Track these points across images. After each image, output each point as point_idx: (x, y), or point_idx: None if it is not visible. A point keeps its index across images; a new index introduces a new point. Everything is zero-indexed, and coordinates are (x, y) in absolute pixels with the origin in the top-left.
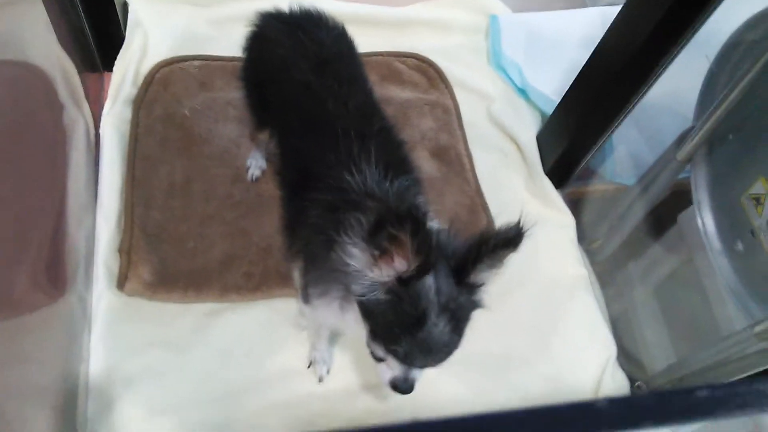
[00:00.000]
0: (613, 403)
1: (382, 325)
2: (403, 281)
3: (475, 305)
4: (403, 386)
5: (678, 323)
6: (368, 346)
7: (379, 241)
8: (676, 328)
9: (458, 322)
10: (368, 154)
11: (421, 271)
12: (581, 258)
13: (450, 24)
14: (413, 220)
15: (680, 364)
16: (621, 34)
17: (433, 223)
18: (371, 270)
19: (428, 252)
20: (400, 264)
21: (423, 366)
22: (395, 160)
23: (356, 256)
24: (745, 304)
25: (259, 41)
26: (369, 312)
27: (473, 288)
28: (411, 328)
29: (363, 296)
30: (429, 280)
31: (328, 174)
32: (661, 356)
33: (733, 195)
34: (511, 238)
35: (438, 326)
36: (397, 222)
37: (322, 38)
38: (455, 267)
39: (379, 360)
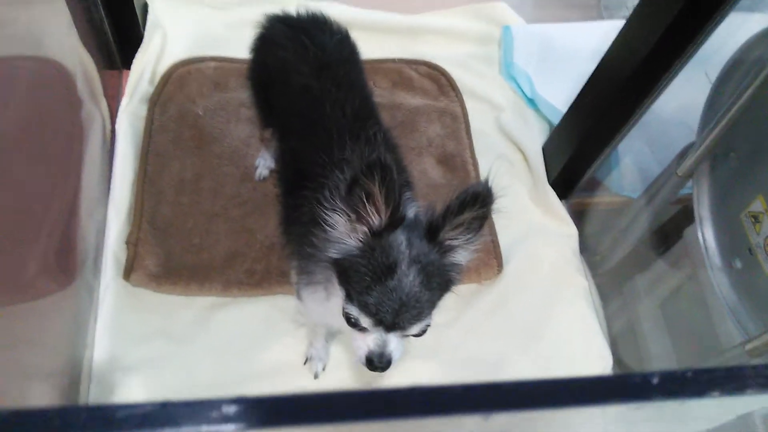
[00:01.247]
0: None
1: (355, 281)
2: (376, 234)
3: (448, 272)
4: (378, 361)
5: (680, 338)
6: (343, 312)
7: (354, 200)
8: (678, 343)
9: (429, 277)
10: (360, 156)
11: (393, 223)
12: (582, 269)
13: (463, 33)
14: (381, 167)
15: None
16: (625, 46)
17: (413, 205)
18: (349, 235)
19: (398, 200)
20: (373, 219)
21: (394, 323)
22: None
23: (336, 222)
24: (743, 321)
25: (264, 43)
26: (344, 272)
27: (446, 248)
28: (381, 276)
29: (339, 256)
30: (400, 235)
31: (321, 173)
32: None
33: (733, 212)
34: (479, 193)
35: (408, 276)
36: (367, 170)
37: (325, 43)
38: (428, 226)
39: (353, 326)
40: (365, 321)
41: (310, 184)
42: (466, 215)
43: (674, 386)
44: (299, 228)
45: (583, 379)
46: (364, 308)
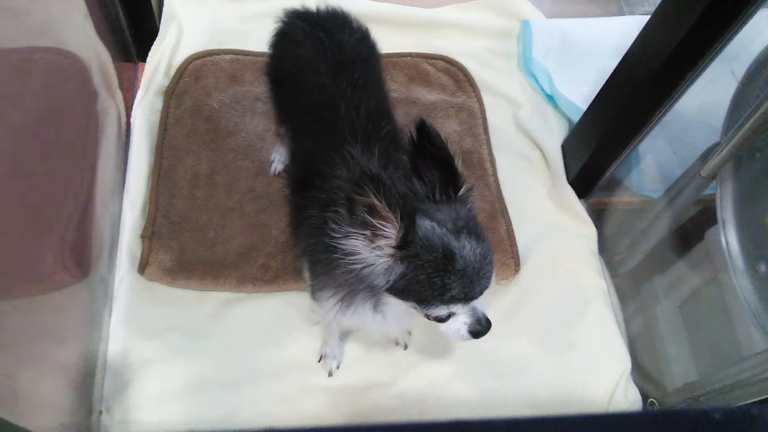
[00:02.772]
0: (623, 418)
1: (422, 289)
2: (404, 241)
3: (472, 210)
4: (483, 327)
5: (699, 341)
6: (428, 318)
7: (361, 219)
8: (697, 346)
9: (476, 231)
10: (371, 156)
11: (409, 220)
12: (601, 269)
13: (481, 27)
14: (371, 179)
15: (698, 383)
16: (649, 44)
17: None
18: (374, 252)
19: (401, 201)
20: (389, 228)
21: (481, 290)
22: (397, 161)
23: (356, 247)
24: (766, 326)
25: (282, 39)
26: (404, 290)
27: (464, 198)
28: (448, 267)
29: (389, 283)
30: (425, 222)
31: (329, 172)
32: (679, 374)
33: (758, 215)
34: (416, 127)
35: (466, 247)
36: (359, 188)
37: (344, 41)
38: (439, 189)
39: (444, 320)
40: (456, 308)
41: (320, 184)
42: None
43: (739, 424)
44: (306, 229)
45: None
46: (452, 300)
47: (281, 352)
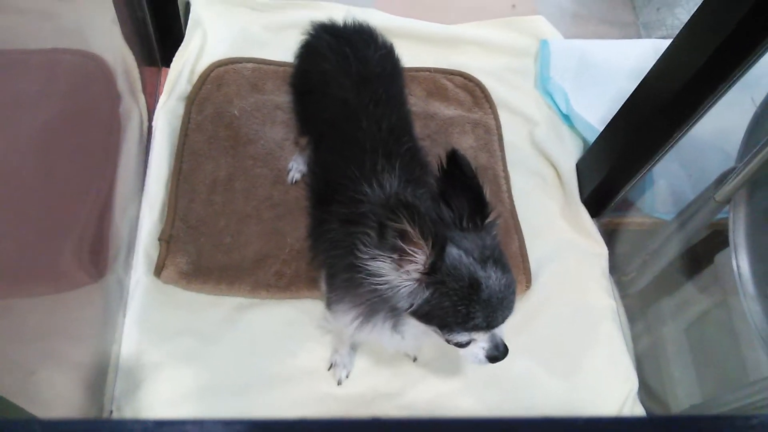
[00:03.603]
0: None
1: (446, 315)
2: (433, 268)
3: (497, 239)
4: (500, 353)
5: (706, 364)
6: (448, 342)
7: (391, 243)
8: (703, 369)
9: (502, 261)
10: (392, 171)
11: (440, 248)
12: (611, 289)
13: (500, 45)
14: (405, 206)
15: (704, 405)
16: (670, 67)
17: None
18: (400, 276)
19: (433, 229)
20: (419, 255)
21: (504, 319)
22: (417, 178)
23: (382, 269)
24: None
25: (308, 52)
26: (427, 314)
27: (490, 227)
28: (473, 296)
29: (412, 307)
30: (453, 250)
31: (350, 187)
32: (685, 395)
33: None
34: (450, 156)
35: (491, 277)
36: (393, 215)
37: (369, 56)
38: (467, 217)
39: (464, 346)
40: (477, 335)
41: (341, 199)
42: (459, 179)
43: None
44: (326, 243)
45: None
46: (474, 328)
47: (292, 359)
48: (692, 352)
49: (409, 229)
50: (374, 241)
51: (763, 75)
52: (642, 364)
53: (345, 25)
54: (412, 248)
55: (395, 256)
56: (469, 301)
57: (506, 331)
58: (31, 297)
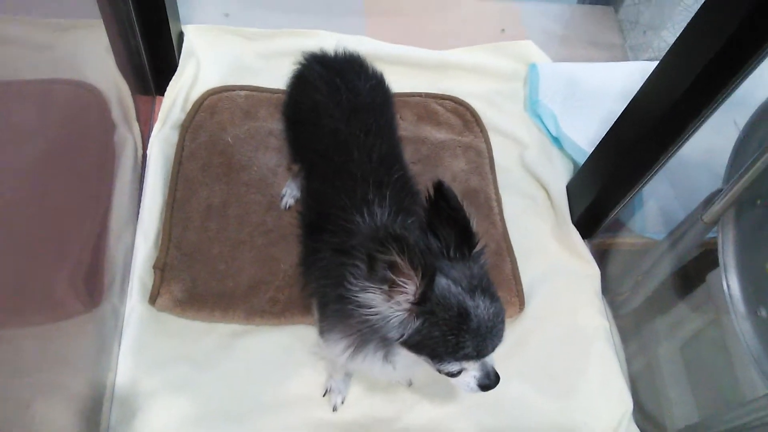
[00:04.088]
0: None
1: (436, 345)
2: (422, 298)
3: (484, 268)
4: (492, 381)
5: (701, 383)
6: (440, 372)
7: (380, 275)
8: (699, 388)
9: (490, 290)
10: (382, 200)
11: (429, 278)
12: (603, 309)
13: (489, 69)
14: (395, 239)
15: (700, 425)
16: (656, 89)
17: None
18: (390, 307)
19: (423, 260)
20: (409, 285)
21: (493, 347)
22: (407, 207)
23: (372, 300)
24: (767, 371)
25: (299, 82)
26: (417, 344)
27: (477, 256)
28: (462, 326)
29: (402, 337)
30: (441, 280)
31: (341, 216)
32: (680, 416)
33: (759, 261)
34: (435, 188)
35: (480, 306)
36: (383, 247)
37: (359, 87)
38: (455, 247)
39: (455, 375)
40: (468, 365)
41: (332, 228)
42: (445, 212)
43: None
44: (317, 272)
45: None
46: (464, 357)
47: (287, 385)
48: (687, 372)
49: (398, 260)
50: (364, 273)
51: (745, 99)
52: (637, 384)
53: (336, 55)
54: (401, 279)
55: (385, 287)
56: (458, 330)
57: (499, 353)
58: (27, 327)
